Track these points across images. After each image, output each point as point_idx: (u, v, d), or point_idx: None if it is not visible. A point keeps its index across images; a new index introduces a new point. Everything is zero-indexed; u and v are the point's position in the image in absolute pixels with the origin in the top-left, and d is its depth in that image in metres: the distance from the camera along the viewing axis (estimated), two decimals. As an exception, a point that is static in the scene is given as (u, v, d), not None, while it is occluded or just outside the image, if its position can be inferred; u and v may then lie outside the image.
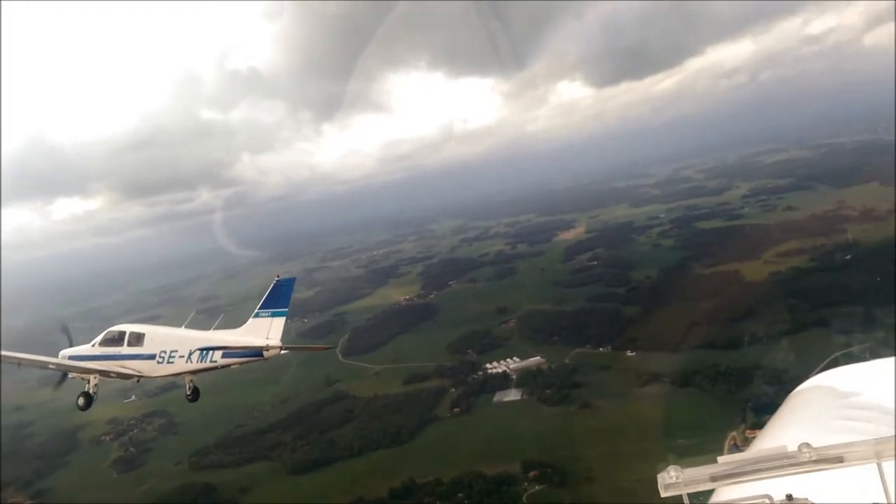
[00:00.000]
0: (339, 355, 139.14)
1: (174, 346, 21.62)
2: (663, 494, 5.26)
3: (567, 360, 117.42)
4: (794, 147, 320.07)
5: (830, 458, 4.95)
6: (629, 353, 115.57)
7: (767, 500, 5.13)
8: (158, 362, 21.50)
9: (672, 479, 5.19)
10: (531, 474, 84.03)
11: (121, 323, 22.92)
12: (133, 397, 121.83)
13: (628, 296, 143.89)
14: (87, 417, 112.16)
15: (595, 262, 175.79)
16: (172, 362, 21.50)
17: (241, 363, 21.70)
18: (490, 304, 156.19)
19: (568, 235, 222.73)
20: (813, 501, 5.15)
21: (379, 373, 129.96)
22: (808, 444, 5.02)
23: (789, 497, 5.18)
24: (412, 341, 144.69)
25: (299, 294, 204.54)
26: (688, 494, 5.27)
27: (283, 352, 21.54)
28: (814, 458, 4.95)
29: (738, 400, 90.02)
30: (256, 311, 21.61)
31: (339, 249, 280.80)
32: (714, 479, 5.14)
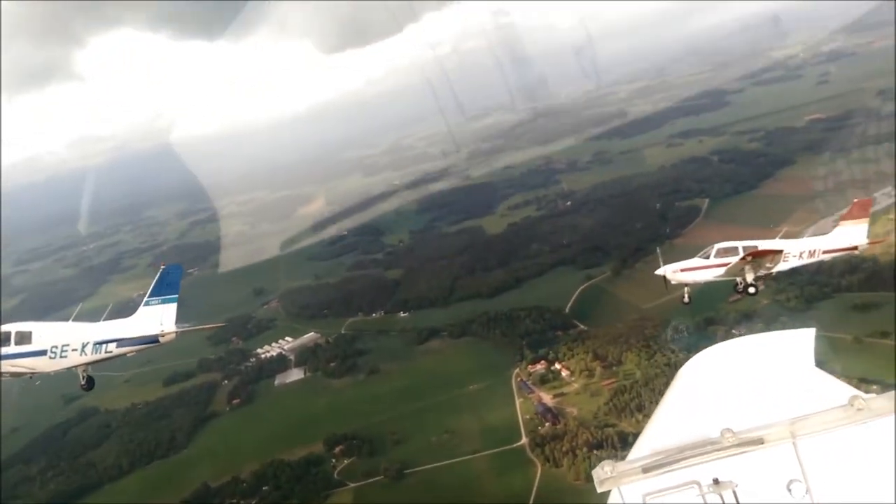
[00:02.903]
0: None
1: (65, 340, 21.62)
2: (599, 490, 5.53)
3: (343, 331, 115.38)
4: (495, 112, 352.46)
5: (751, 441, 5.42)
6: (402, 314, 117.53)
7: (696, 486, 5.41)
8: (51, 357, 21.47)
9: (607, 473, 5.45)
10: (337, 450, 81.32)
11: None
12: None
13: (387, 260, 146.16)
14: None
15: (345, 233, 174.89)
16: (66, 356, 21.58)
17: (137, 351, 22.64)
18: (244, 288, 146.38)
19: (309, 209, 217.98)
20: (736, 483, 5.44)
21: (129, 380, 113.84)
22: (729, 429, 5.46)
23: (716, 481, 5.43)
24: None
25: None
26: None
27: (177, 335, 22.65)
28: (735, 442, 5.40)
29: (514, 340, 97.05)
30: (146, 299, 22.21)
31: (36, 249, 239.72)
32: (646, 470, 5.46)
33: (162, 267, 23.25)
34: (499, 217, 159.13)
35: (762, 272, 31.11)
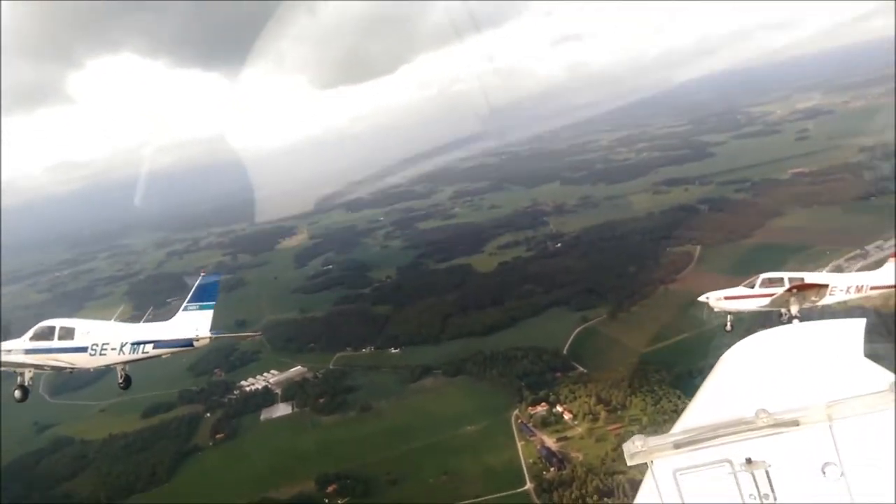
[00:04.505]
0: (46, 395, 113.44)
1: (105, 338, 22.45)
2: (629, 463, 5.52)
3: (332, 366, 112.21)
4: (478, 154, 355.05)
5: (786, 422, 5.38)
6: (393, 351, 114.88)
7: (728, 464, 5.41)
8: (91, 354, 22.32)
9: (637, 447, 5.44)
10: (330, 489, 77.62)
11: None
12: None
13: (375, 296, 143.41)
14: None
15: (331, 266, 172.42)
16: (105, 354, 22.38)
17: (172, 353, 23.14)
18: (226, 318, 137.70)
19: (292, 242, 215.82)
20: (769, 463, 5.43)
21: (106, 409, 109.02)
22: (764, 410, 5.44)
23: (748, 461, 5.41)
24: (139, 368, 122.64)
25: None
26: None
27: (211, 340, 22.92)
28: (770, 423, 5.37)
29: (512, 381, 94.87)
30: (185, 304, 22.89)
31: (7, 273, 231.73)
32: (677, 445, 5.43)
33: (202, 274, 23.74)
34: (488, 256, 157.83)
35: (807, 305, 31.00)
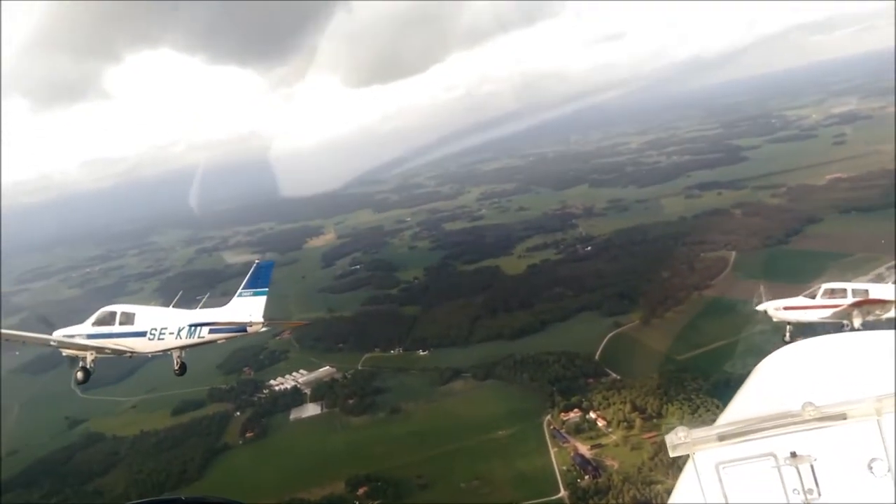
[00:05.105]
0: (77, 391, 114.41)
1: (164, 323, 23.15)
2: (672, 454, 5.43)
3: (360, 367, 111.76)
4: (504, 156, 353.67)
5: (833, 416, 5.30)
6: (422, 353, 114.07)
7: (772, 458, 5.33)
8: (150, 339, 23.11)
9: (680, 439, 5.38)
10: (361, 491, 76.97)
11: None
12: None
13: (403, 296, 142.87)
14: None
15: (358, 266, 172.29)
16: (163, 339, 23.12)
17: (226, 338, 23.94)
18: None
19: (319, 242, 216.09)
20: (815, 457, 5.29)
21: (137, 406, 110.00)
22: (811, 403, 5.35)
23: (793, 454, 5.31)
24: (170, 365, 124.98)
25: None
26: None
27: (264, 328, 23.89)
28: (817, 416, 5.29)
29: (543, 385, 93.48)
30: (240, 290, 23.44)
31: (39, 269, 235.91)
32: (721, 438, 5.37)
33: (256, 262, 24.52)
34: (516, 258, 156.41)
35: (871, 318, 30.07)
